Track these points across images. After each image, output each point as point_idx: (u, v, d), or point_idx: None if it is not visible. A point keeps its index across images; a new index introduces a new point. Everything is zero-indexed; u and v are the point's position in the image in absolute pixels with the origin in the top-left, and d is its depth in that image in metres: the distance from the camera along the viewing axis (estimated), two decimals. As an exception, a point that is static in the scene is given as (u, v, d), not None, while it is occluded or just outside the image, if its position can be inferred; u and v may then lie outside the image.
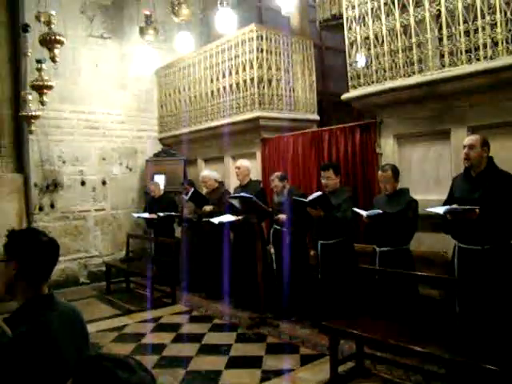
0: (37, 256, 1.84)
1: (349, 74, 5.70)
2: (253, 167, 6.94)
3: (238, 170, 6.53)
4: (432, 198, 4.61)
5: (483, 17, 4.32)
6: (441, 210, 3.78)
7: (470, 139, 3.84)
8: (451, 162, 4.77)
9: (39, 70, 5.97)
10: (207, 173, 7.33)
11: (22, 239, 1.87)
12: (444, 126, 4.87)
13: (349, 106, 6.03)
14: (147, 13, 6.90)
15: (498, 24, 4.21)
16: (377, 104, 5.49)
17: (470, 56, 4.46)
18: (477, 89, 4.47)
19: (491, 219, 3.54)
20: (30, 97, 6.47)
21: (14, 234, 1.90)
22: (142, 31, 7.05)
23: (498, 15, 4.21)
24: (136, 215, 8.23)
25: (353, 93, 5.66)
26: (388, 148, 5.49)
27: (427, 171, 5.11)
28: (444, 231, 4.07)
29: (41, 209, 8.00)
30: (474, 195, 3.71)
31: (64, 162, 8.27)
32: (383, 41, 5.27)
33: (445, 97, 4.78)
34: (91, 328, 3.69)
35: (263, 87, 7.30)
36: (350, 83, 5.69)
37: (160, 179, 8.54)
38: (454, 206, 3.73)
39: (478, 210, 3.53)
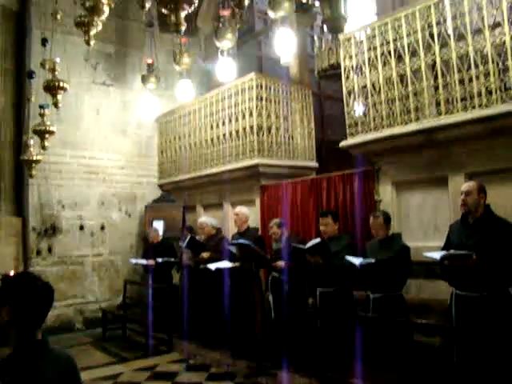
0: (31, 302, 1.82)
1: (347, 121, 5.78)
2: (252, 214, 6.94)
3: (236, 217, 6.54)
4: (431, 245, 4.59)
5: (477, 66, 4.43)
6: (437, 255, 3.76)
7: (466, 186, 3.86)
8: (449, 209, 4.78)
9: (42, 115, 6.08)
10: (204, 219, 7.33)
11: (16, 284, 1.85)
12: (441, 172, 4.92)
13: (347, 153, 6.08)
14: (149, 61, 7.05)
15: (491, 73, 4.32)
16: (375, 151, 5.55)
17: (466, 104, 4.54)
18: (473, 136, 4.53)
19: (488, 266, 3.52)
20: (31, 141, 6.54)
21: (8, 279, 1.88)
22: (143, 79, 7.18)
23: (490, 65, 4.33)
24: (134, 261, 8.16)
25: (351, 140, 5.73)
26: (386, 195, 5.51)
27: (426, 218, 5.12)
28: (441, 278, 4.04)
29: (38, 253, 7.95)
30: (471, 241, 3.69)
31: (63, 207, 8.28)
32: (380, 89, 5.38)
33: (442, 144, 4.83)
34: (85, 376, 3.61)
35: (262, 135, 7.38)
36: (348, 131, 5.77)
37: (159, 225, 8.52)
38: (451, 251, 3.72)
39: (474, 256, 3.51)
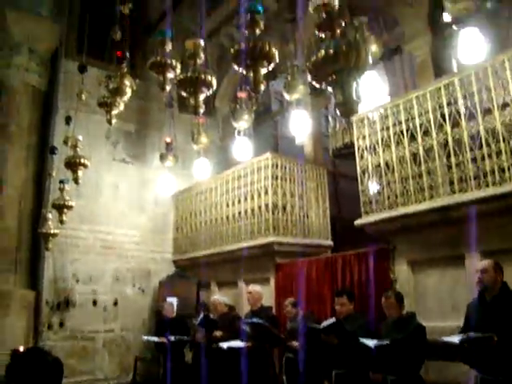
0: (40, 379, 1.79)
1: (361, 200, 5.83)
2: (266, 292, 6.87)
3: (249, 295, 6.46)
4: (449, 325, 4.48)
5: (488, 145, 4.50)
6: (456, 339, 3.66)
7: (482, 264, 3.82)
8: (467, 288, 4.69)
9: (62, 190, 6.22)
10: (217, 297, 7.26)
11: (26, 361, 1.82)
12: (457, 250, 4.86)
13: (363, 231, 6.08)
14: (168, 140, 7.25)
15: (503, 152, 4.38)
16: (390, 229, 5.55)
17: (479, 182, 4.57)
18: (487, 214, 4.52)
19: (510, 347, 3.40)
20: (50, 215, 6.65)
21: (18, 355, 1.86)
22: (162, 157, 7.36)
23: (501, 144, 4.39)
24: (146, 338, 8.01)
25: (365, 219, 5.75)
26: (402, 274, 5.44)
27: (443, 297, 5.02)
28: (462, 361, 3.90)
29: (50, 327, 7.86)
30: (490, 321, 3.59)
31: (78, 281, 8.28)
32: (394, 168, 5.46)
33: (457, 222, 4.82)
34: None
35: (278, 213, 7.43)
36: (362, 209, 5.80)
37: (173, 302, 8.42)
38: (470, 334, 3.61)
39: (495, 338, 3.40)
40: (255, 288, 6.49)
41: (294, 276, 7.01)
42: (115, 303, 8.67)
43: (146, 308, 9.04)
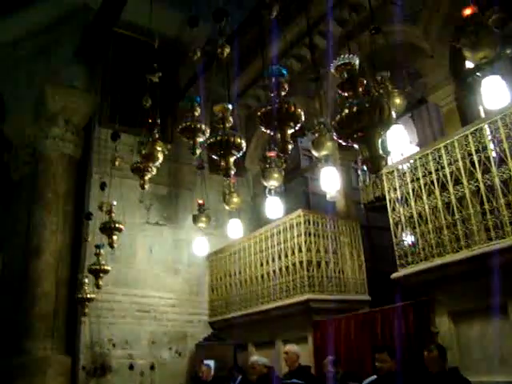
0: None
1: (396, 253, 5.75)
2: (304, 351, 6.72)
3: (285, 356, 6.33)
4: (498, 380, 4.30)
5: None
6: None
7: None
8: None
9: (97, 254, 6.33)
10: (256, 358, 7.07)
11: None
12: (500, 299, 4.71)
13: (400, 284, 5.97)
14: (200, 201, 7.34)
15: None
16: (427, 281, 5.43)
17: (516, 227, 4.48)
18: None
19: None
20: (86, 280, 6.75)
21: None
22: (195, 219, 7.43)
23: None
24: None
25: (402, 272, 5.66)
26: (443, 326, 5.29)
27: (489, 349, 4.82)
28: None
29: (86, 393, 7.82)
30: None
31: (114, 346, 8.26)
32: (427, 219, 5.40)
33: (496, 269, 4.69)
34: None
35: (312, 270, 7.38)
36: (398, 262, 5.72)
37: (210, 364, 8.29)
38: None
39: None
40: (292, 348, 6.36)
41: (332, 333, 6.86)
42: (152, 367, 8.58)
43: (183, 371, 8.90)
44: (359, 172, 8.78)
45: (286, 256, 7.76)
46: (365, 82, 2.61)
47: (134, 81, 8.57)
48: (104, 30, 8.95)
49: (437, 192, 5.34)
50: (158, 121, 4.82)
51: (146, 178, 4.70)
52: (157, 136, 4.59)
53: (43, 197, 8.58)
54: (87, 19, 9.64)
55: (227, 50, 4.09)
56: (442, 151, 5.38)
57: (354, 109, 2.32)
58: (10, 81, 10.52)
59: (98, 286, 6.35)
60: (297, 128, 3.18)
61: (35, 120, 9.36)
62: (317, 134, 4.87)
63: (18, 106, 10.05)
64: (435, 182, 5.37)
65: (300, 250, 7.48)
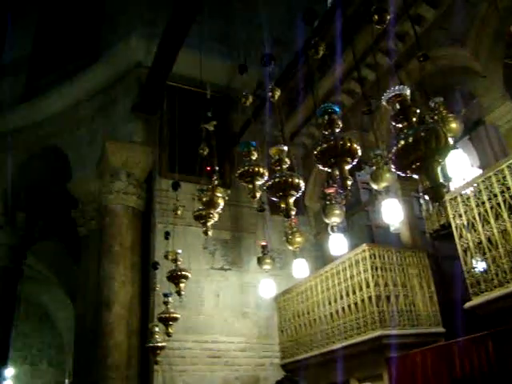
0: None
1: (467, 281, 5.56)
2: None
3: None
4: None
5: None
6: None
7: None
8: None
9: (166, 303, 6.42)
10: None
11: None
12: None
13: (475, 313, 5.73)
14: (263, 243, 7.37)
15: None
16: (504, 309, 5.19)
17: None
18: None
19: None
20: (157, 328, 6.83)
21: None
22: (259, 261, 7.44)
23: None
24: None
25: (475, 300, 5.46)
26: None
27: None
28: None
29: None
30: None
31: (187, 395, 8.27)
32: (497, 243, 5.20)
33: None
34: None
35: (382, 305, 7.19)
36: (470, 290, 5.51)
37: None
38: None
39: None
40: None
41: (408, 369, 6.62)
42: (227, 414, 8.52)
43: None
44: (421, 201, 8.58)
45: (354, 292, 7.62)
46: (418, 111, 2.60)
47: (190, 130, 8.89)
48: (158, 85, 9.34)
49: (505, 215, 5.15)
50: (217, 168, 4.94)
51: (209, 224, 4.79)
52: (216, 183, 4.70)
53: (110, 249, 8.87)
54: (141, 76, 10.11)
55: (278, 93, 4.18)
56: (506, 172, 5.21)
57: (410, 139, 2.31)
58: (73, 141, 11.13)
59: (168, 334, 6.42)
60: (354, 163, 3.17)
61: (99, 176, 9.79)
62: (375, 167, 4.84)
63: (82, 164, 10.58)
64: (502, 204, 5.19)
65: (368, 286, 7.34)
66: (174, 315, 6.34)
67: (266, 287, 8.54)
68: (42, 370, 24.05)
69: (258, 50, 10.57)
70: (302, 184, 3.44)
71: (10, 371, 17.81)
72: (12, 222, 12.10)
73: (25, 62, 13.70)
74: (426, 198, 7.30)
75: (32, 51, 13.79)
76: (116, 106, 10.49)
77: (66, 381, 21.96)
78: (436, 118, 4.27)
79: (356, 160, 3.14)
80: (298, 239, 6.16)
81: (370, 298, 7.25)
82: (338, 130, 3.22)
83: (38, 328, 24.63)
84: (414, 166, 2.35)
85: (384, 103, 2.69)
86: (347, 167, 3.14)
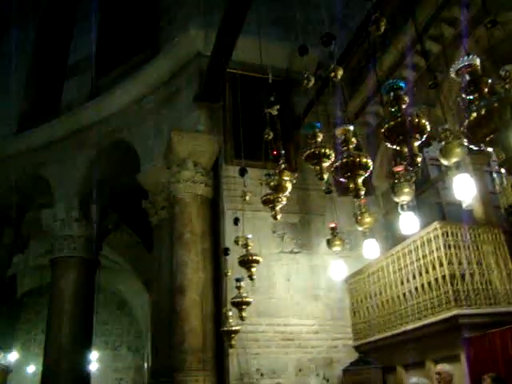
0: None
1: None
2: (456, 370, 6.37)
3: (438, 376, 6.03)
4: None
5: None
6: None
7: None
8: None
9: (238, 287, 6.54)
10: (415, 380, 6.78)
11: None
12: None
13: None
14: (332, 225, 7.33)
15: None
16: None
17: None
18: None
19: None
20: (230, 313, 6.98)
21: None
22: (329, 243, 7.42)
23: None
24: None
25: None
26: None
27: None
28: None
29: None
30: None
31: (262, 375, 8.40)
32: None
33: None
34: None
35: (456, 284, 7.00)
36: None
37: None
38: None
39: None
40: (444, 368, 6.05)
41: (487, 349, 6.43)
42: (301, 395, 8.60)
43: (332, 398, 8.82)
44: (494, 175, 8.26)
45: (427, 272, 7.46)
46: (489, 80, 2.51)
47: (253, 116, 8.91)
48: (218, 73, 9.42)
49: None
50: (283, 152, 4.95)
51: (277, 208, 4.82)
52: (283, 166, 4.71)
53: (182, 237, 9.09)
54: (202, 66, 10.23)
55: (340, 73, 4.11)
56: None
57: (483, 111, 2.23)
58: (140, 134, 11.46)
59: (242, 318, 6.54)
60: (423, 139, 3.10)
61: (166, 166, 10.03)
62: (444, 142, 4.70)
63: (150, 155, 10.87)
64: None
65: (441, 264, 7.16)
66: (247, 299, 6.44)
67: (337, 269, 8.51)
68: (122, 354, 25.15)
69: (316, 31, 10.53)
70: (371, 163, 3.39)
71: (94, 355, 18.75)
72: (87, 215, 12.64)
73: (89, 61, 14.24)
74: (502, 171, 7.05)
75: (95, 51, 14.30)
76: (179, 96, 10.69)
77: (145, 364, 22.82)
78: (507, 87, 4.08)
79: (425, 136, 3.07)
80: (368, 219, 6.10)
81: (443, 277, 7.08)
82: (404, 107, 3.15)
83: (116, 315, 25.73)
84: (488, 139, 2.27)
85: (453, 75, 2.61)
86: (416, 144, 3.08)
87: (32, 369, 22.90)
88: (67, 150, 13.30)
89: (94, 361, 20.12)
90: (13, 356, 22.67)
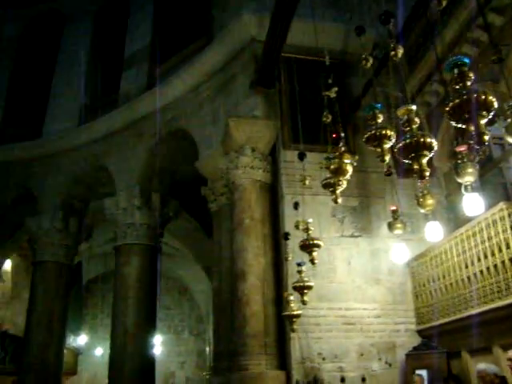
0: None
1: None
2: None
3: (510, 363, 5.84)
4: None
5: None
6: None
7: None
8: None
9: (300, 272, 6.57)
10: (483, 366, 6.54)
11: None
12: None
13: None
14: (393, 208, 7.22)
15: None
16: None
17: None
18: None
19: None
20: (291, 297, 7.03)
21: None
22: (390, 226, 7.32)
23: None
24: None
25: None
26: None
27: None
28: None
29: (302, 409, 8.06)
30: None
31: (324, 359, 8.39)
32: None
33: None
34: None
35: (525, 266, 6.77)
36: None
37: (422, 375, 8.02)
38: None
39: None
40: (517, 353, 5.86)
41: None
42: (363, 379, 8.50)
43: (394, 382, 8.66)
44: None
45: (493, 254, 7.22)
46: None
47: (310, 100, 8.87)
48: (273, 58, 9.37)
49: None
50: (342, 134, 4.90)
51: (338, 191, 4.78)
52: (343, 149, 4.67)
53: (242, 223, 9.16)
54: (256, 51, 10.22)
55: (401, 51, 4.03)
56: None
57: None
58: (197, 122, 11.62)
59: (303, 303, 6.57)
60: (490, 116, 3.00)
61: (224, 153, 10.11)
62: (509, 120, 4.53)
63: (207, 142, 11.00)
64: None
65: (508, 247, 6.90)
66: (309, 284, 6.47)
67: (398, 252, 8.38)
68: (185, 338, 25.83)
69: (371, 10, 10.33)
70: (435, 143, 3.32)
71: (158, 339, 19.36)
72: (148, 203, 12.95)
73: (145, 52, 14.59)
74: None
75: (150, 41, 14.61)
76: (235, 83, 10.73)
77: (207, 348, 23.34)
78: None
79: (492, 113, 2.97)
80: (430, 201, 5.96)
81: (510, 259, 6.85)
82: (469, 83, 3.05)
83: (178, 300, 26.39)
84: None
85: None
86: (483, 121, 2.98)
87: (99, 351, 23.92)
88: (127, 140, 13.68)
89: (158, 344, 20.78)
90: (82, 339, 23.75)
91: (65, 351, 15.63)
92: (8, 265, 19.92)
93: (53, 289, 14.24)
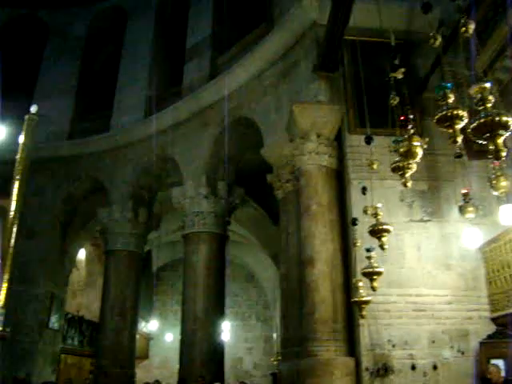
0: None
1: None
2: None
3: None
4: None
5: None
6: None
7: None
8: None
9: (369, 257, 6.50)
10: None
11: None
12: None
13: None
14: (464, 191, 7.00)
15: None
16: None
17: None
18: None
19: None
20: (360, 283, 6.97)
21: None
22: (461, 210, 7.11)
23: None
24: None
25: None
26: None
27: None
28: None
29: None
30: None
31: (393, 346, 8.28)
32: None
33: None
34: None
35: None
36: None
37: (498, 364, 7.72)
38: None
39: None
40: None
41: None
42: (434, 367, 8.32)
43: (467, 372, 8.38)
44: None
45: None
46: None
47: (375, 82, 8.70)
48: (336, 41, 9.21)
49: None
50: (411, 116, 4.78)
51: (408, 175, 4.68)
52: (412, 131, 4.56)
53: (308, 209, 9.13)
54: (318, 35, 10.10)
55: (471, 27, 3.89)
56: None
57: None
58: (261, 109, 11.65)
59: (373, 289, 6.51)
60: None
61: (289, 139, 10.09)
62: None
63: (272, 129, 11.02)
64: None
65: None
66: (378, 269, 6.39)
67: (470, 237, 8.13)
68: (252, 324, 26.16)
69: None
70: (512, 121, 3.18)
71: (226, 325, 19.71)
72: (214, 191, 13.14)
73: (206, 43, 14.77)
74: None
75: (211, 31, 14.76)
76: (297, 68, 10.66)
77: (274, 335, 23.55)
78: None
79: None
80: (504, 183, 5.72)
81: None
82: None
83: (245, 287, 26.72)
84: None
85: None
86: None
87: (170, 337, 24.66)
88: (192, 130, 13.92)
89: (226, 331, 21.17)
90: (153, 325, 24.52)
91: (137, 336, 16.22)
92: (82, 254, 20.77)
93: (125, 276, 14.78)
